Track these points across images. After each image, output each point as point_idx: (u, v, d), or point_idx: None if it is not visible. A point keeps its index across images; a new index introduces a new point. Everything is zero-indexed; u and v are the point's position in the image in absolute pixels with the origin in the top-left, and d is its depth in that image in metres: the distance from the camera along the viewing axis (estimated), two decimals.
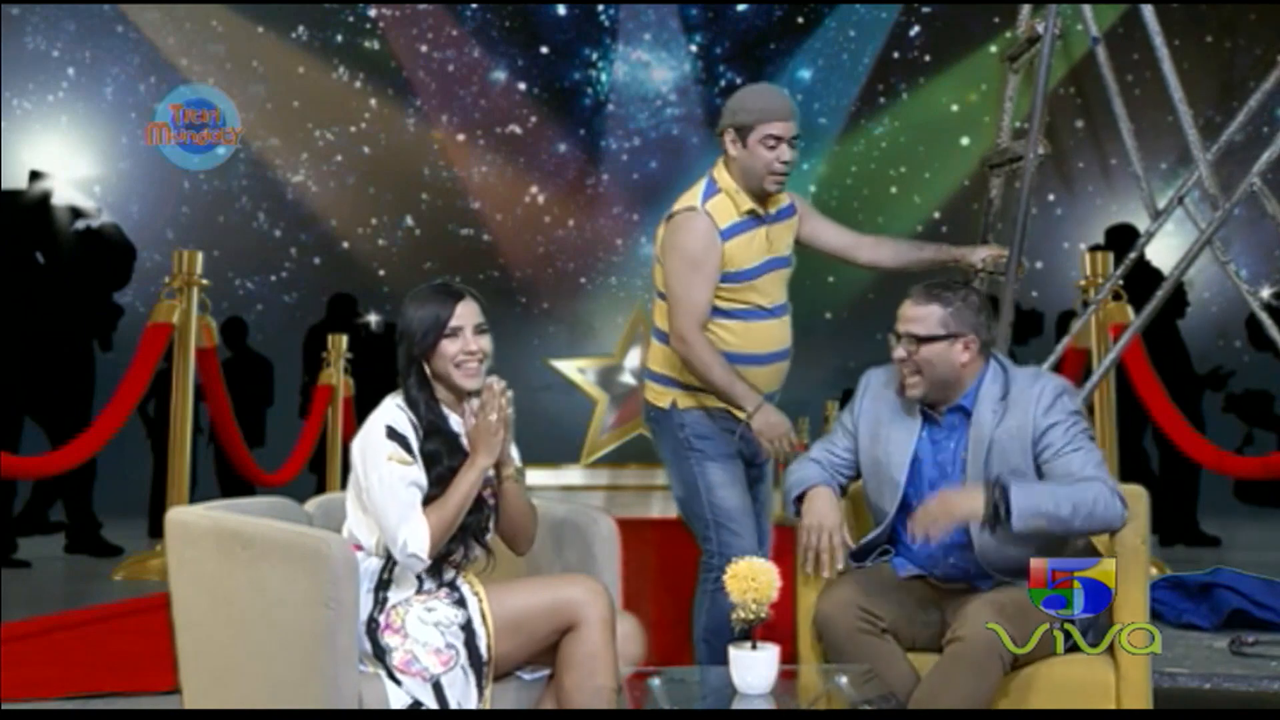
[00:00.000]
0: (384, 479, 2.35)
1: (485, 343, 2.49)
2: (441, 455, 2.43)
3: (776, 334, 3.07)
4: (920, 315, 2.63)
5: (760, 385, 3.02)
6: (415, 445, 2.41)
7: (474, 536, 2.48)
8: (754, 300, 3.02)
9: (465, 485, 2.41)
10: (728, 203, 2.99)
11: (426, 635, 2.30)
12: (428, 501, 2.39)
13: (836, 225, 3.36)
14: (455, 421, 2.50)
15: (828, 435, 2.88)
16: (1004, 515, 2.41)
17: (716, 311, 2.98)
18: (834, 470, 2.76)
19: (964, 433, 2.62)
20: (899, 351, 2.65)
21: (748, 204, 3.00)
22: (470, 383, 2.47)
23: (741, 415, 3.01)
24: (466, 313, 2.48)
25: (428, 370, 2.48)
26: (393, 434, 2.39)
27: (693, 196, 3.01)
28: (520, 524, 2.57)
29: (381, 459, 2.36)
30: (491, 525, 2.54)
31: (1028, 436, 2.56)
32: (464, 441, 2.49)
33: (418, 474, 2.38)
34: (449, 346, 2.46)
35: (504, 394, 2.45)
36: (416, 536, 2.33)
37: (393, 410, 2.43)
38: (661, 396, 3.06)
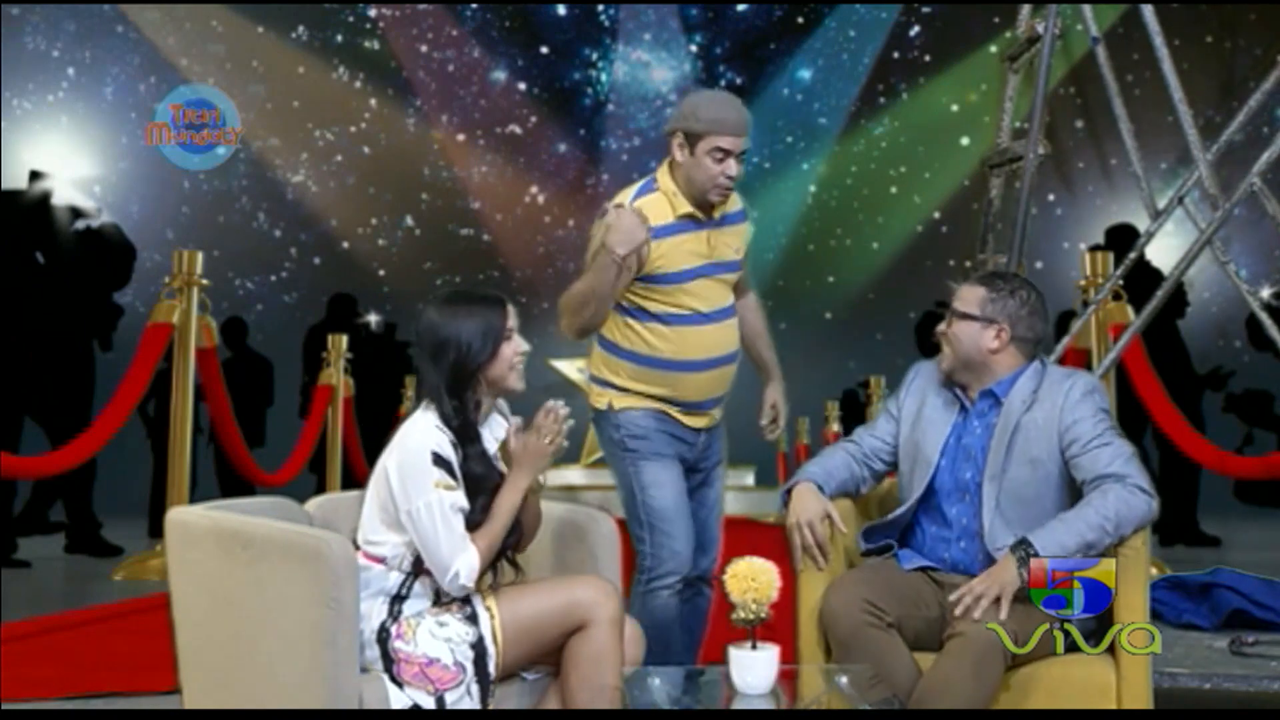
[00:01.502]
0: (431, 506, 2.30)
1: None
2: (484, 477, 2.41)
3: (715, 339, 2.97)
4: (965, 294, 2.71)
5: (697, 392, 2.97)
6: (457, 466, 2.37)
7: (505, 558, 2.48)
8: (687, 304, 2.92)
9: (508, 506, 2.40)
10: (663, 203, 2.88)
11: (436, 650, 2.30)
12: (469, 523, 2.37)
13: (745, 263, 3.10)
14: (485, 436, 2.49)
15: (872, 421, 2.91)
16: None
17: (647, 315, 2.91)
18: (870, 455, 2.79)
19: (993, 419, 2.66)
20: (941, 325, 2.73)
21: (685, 207, 2.88)
22: (521, 384, 2.46)
23: (690, 422, 2.97)
24: (511, 314, 2.47)
25: (482, 381, 2.44)
26: (439, 460, 2.34)
27: (624, 196, 2.92)
28: (529, 528, 2.56)
29: (428, 485, 2.31)
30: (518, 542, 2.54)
31: (1054, 428, 2.59)
32: (494, 457, 2.47)
33: (461, 499, 2.36)
34: (506, 350, 2.43)
35: (564, 420, 2.44)
36: (469, 567, 2.32)
37: (433, 432, 2.36)
38: (599, 398, 3.01)
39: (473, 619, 2.34)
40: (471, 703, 2.29)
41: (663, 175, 2.93)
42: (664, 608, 2.88)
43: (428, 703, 2.27)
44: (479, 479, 2.40)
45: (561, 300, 2.89)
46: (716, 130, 2.83)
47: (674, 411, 2.96)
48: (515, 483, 2.42)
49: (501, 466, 2.48)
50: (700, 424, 3.02)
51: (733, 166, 2.85)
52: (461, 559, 2.31)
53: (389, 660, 2.30)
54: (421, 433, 2.36)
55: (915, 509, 2.70)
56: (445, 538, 2.31)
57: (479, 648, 2.31)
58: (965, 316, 2.67)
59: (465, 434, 2.40)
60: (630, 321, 2.93)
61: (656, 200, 2.89)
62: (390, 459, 2.38)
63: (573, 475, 9.76)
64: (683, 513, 2.93)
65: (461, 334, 2.40)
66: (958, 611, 2.42)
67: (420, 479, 2.32)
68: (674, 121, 2.91)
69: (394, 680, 2.28)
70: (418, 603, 2.37)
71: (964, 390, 2.70)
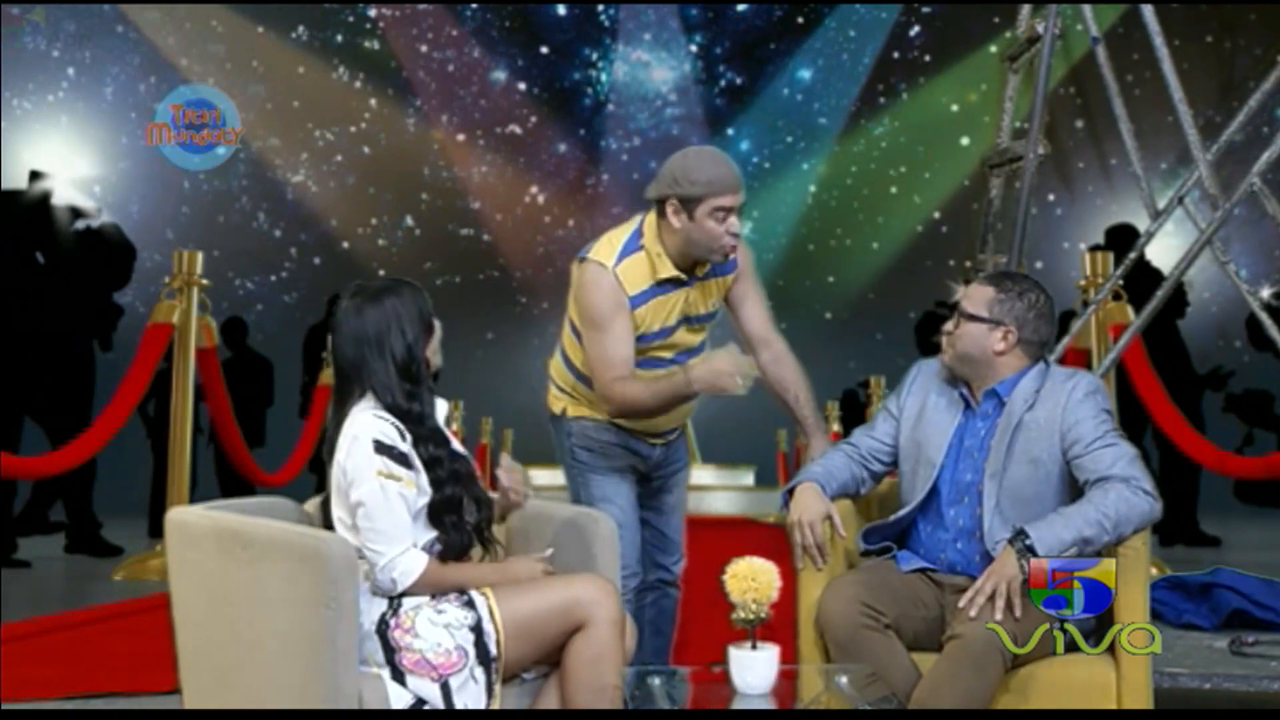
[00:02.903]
0: (374, 494, 2.32)
1: None
2: (441, 457, 2.42)
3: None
4: (973, 293, 2.69)
5: (654, 426, 2.95)
6: (409, 450, 2.37)
7: (479, 536, 2.47)
8: (655, 355, 2.88)
9: (480, 577, 2.40)
10: (643, 266, 2.80)
11: (437, 636, 2.30)
12: (436, 509, 2.38)
13: (761, 308, 3.02)
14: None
15: (870, 421, 2.89)
16: (1034, 558, 2.41)
17: None
18: (868, 456, 2.78)
19: (996, 419, 2.66)
20: (948, 324, 2.72)
21: (668, 271, 2.80)
22: (440, 360, 2.50)
23: (648, 439, 2.95)
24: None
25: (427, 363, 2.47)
26: (381, 447, 2.34)
27: (610, 249, 2.83)
28: None
29: (370, 474, 2.32)
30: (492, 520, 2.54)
31: (1055, 428, 2.59)
32: (449, 435, 2.48)
33: (408, 490, 2.35)
34: (436, 330, 2.49)
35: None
36: (408, 569, 2.32)
37: (375, 422, 2.37)
38: (555, 402, 3.00)
39: (470, 604, 2.34)
40: (477, 687, 2.29)
41: (649, 234, 2.83)
42: None
43: (432, 690, 2.27)
44: (436, 459, 2.40)
45: (624, 395, 2.77)
46: (716, 191, 2.74)
47: (638, 431, 2.95)
48: (506, 570, 2.43)
49: (455, 444, 2.48)
50: (658, 443, 3.01)
51: (735, 223, 2.78)
52: (404, 555, 2.32)
53: (390, 651, 2.30)
54: (362, 425, 2.37)
55: (917, 510, 2.70)
56: (384, 526, 2.31)
57: (478, 630, 2.32)
58: (972, 318, 2.65)
59: (417, 415, 2.41)
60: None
61: (638, 262, 2.81)
62: (339, 457, 2.38)
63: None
64: (631, 526, 2.92)
65: (404, 322, 2.42)
66: (971, 613, 2.41)
67: (363, 469, 2.33)
68: (664, 188, 2.79)
69: (396, 672, 2.29)
70: (416, 596, 2.37)
71: (968, 388, 2.70)
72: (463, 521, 2.42)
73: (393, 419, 2.38)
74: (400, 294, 2.45)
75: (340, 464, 2.37)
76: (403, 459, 2.35)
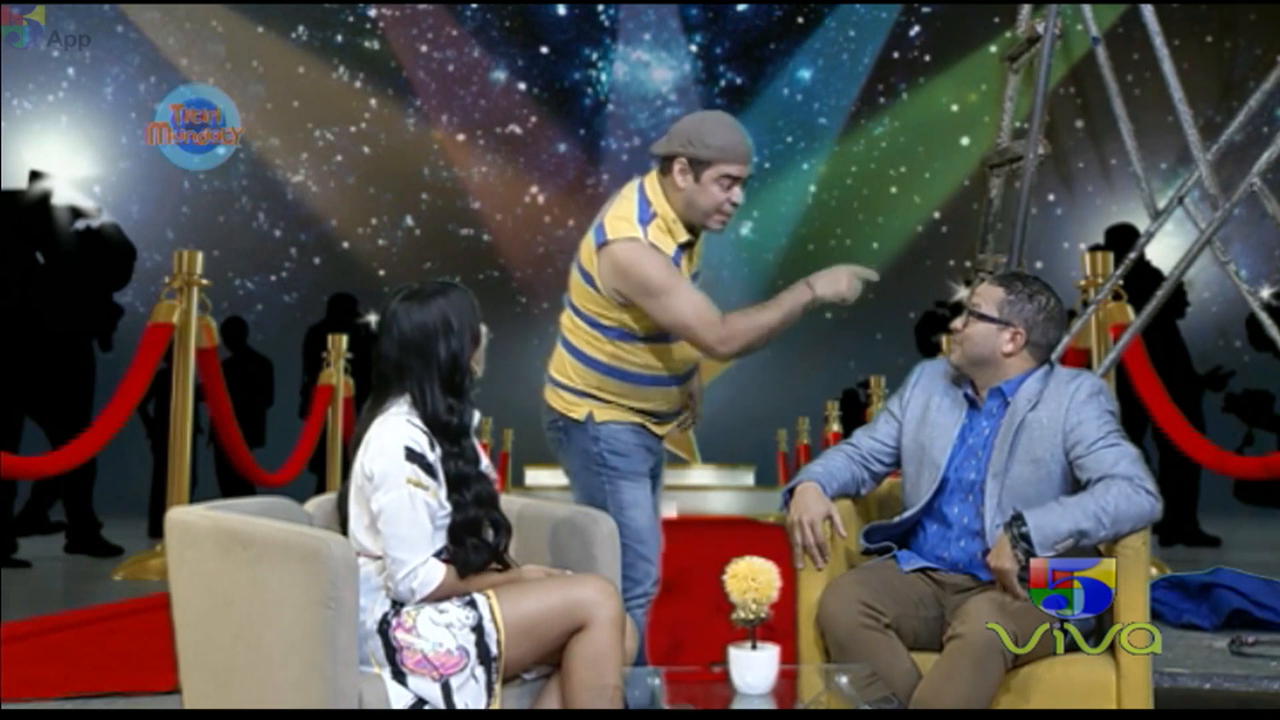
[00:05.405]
0: (401, 501, 2.31)
1: None
2: (469, 475, 2.41)
3: (685, 353, 2.91)
4: (984, 293, 2.71)
5: (669, 403, 2.95)
6: (436, 462, 2.36)
7: (496, 558, 2.47)
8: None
9: (488, 583, 2.40)
10: (664, 232, 2.78)
11: (438, 636, 2.30)
12: (456, 530, 2.37)
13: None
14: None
15: (870, 422, 2.90)
16: (1028, 547, 2.41)
17: (630, 336, 2.84)
18: (869, 457, 2.79)
19: (999, 418, 2.66)
20: (956, 322, 2.72)
21: (683, 236, 2.80)
22: (481, 367, 2.48)
23: (659, 431, 2.94)
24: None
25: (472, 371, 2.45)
26: (412, 455, 2.33)
27: (629, 223, 2.77)
28: None
29: (400, 481, 2.32)
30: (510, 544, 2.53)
31: (1058, 427, 2.60)
32: (480, 453, 2.48)
33: (435, 499, 2.35)
34: (481, 337, 2.46)
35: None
36: (428, 579, 2.32)
37: (406, 428, 2.36)
38: (575, 407, 2.92)
39: (471, 604, 2.35)
40: (477, 686, 2.30)
41: (657, 200, 2.81)
42: (636, 621, 2.82)
43: (433, 690, 2.27)
44: (465, 477, 2.39)
45: (737, 327, 2.76)
46: (726, 158, 2.74)
47: (649, 423, 2.93)
48: (521, 579, 2.43)
49: (484, 462, 2.47)
50: (665, 432, 3.01)
51: (738, 194, 2.79)
52: (424, 564, 2.32)
53: (391, 650, 2.30)
54: (394, 430, 2.36)
55: (924, 511, 2.69)
56: (409, 533, 2.31)
57: (479, 630, 2.32)
58: (982, 317, 2.66)
59: (455, 430, 2.40)
60: (612, 339, 2.85)
61: (659, 228, 2.79)
62: (365, 457, 2.38)
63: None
64: (655, 531, 2.92)
65: (451, 327, 2.40)
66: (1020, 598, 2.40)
67: (392, 475, 2.32)
68: (676, 145, 2.77)
69: (397, 671, 2.29)
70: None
71: (972, 387, 2.70)
72: (483, 544, 2.41)
73: (424, 427, 2.36)
74: (451, 300, 2.42)
75: (365, 465, 2.36)
76: (429, 469, 2.35)
